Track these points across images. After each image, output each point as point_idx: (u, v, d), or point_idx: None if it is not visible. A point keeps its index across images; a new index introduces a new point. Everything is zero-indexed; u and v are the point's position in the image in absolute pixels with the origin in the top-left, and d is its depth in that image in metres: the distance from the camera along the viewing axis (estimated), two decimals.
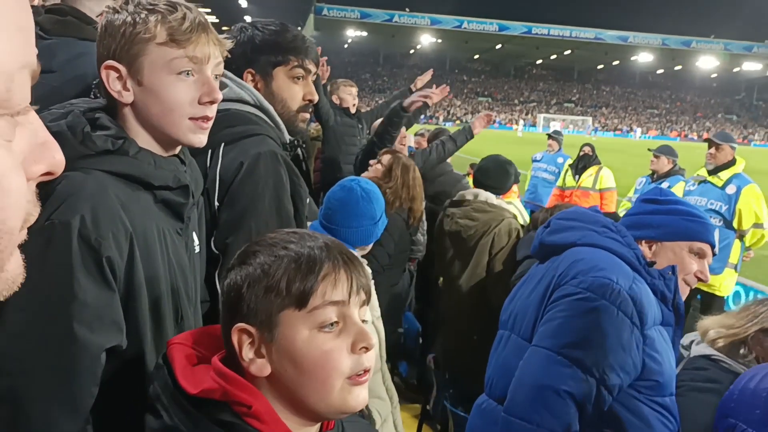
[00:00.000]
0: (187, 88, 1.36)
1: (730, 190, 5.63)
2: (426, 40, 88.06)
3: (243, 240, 1.73)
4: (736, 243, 5.67)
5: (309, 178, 2.22)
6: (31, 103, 0.53)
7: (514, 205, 5.12)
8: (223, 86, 1.84)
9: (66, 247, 1.18)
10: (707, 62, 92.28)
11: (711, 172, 5.79)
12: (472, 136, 5.07)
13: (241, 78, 2.00)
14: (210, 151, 1.78)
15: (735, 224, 5.61)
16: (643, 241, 2.07)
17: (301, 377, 1.05)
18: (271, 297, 1.04)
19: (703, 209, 5.73)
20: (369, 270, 2.57)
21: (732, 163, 5.74)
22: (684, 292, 2.05)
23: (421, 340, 4.68)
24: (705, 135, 6.60)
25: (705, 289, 5.62)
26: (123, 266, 1.26)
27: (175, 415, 1.02)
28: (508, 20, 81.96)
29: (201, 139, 1.42)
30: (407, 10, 78.80)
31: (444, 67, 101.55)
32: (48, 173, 0.55)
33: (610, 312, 1.80)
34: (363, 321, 1.10)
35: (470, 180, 4.55)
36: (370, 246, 2.71)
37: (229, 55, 1.48)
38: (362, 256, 3.59)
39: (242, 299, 1.05)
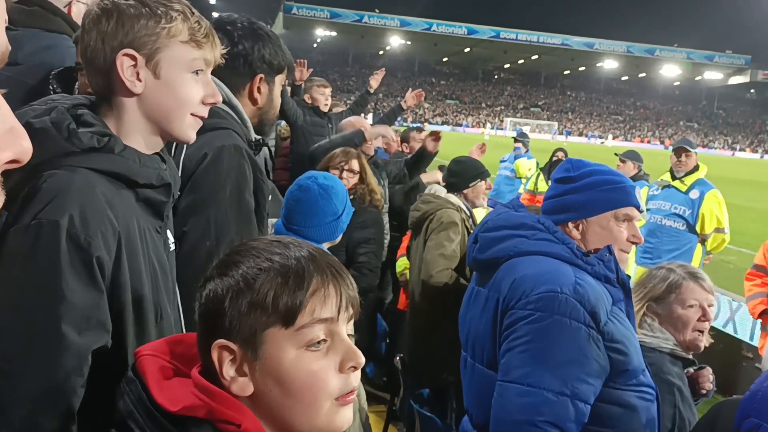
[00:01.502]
0: (198, 87, 1.40)
1: (694, 195, 5.74)
2: (395, 42, 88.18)
3: (200, 228, 1.74)
4: (698, 247, 5.78)
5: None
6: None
7: (483, 209, 5.16)
8: None
9: (54, 247, 1.16)
10: (670, 70, 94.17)
11: (675, 177, 5.90)
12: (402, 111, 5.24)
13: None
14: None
15: (697, 228, 5.72)
16: (569, 224, 2.04)
17: (287, 398, 0.99)
18: (256, 314, 0.97)
19: (667, 213, 5.84)
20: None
21: (695, 168, 5.87)
22: (623, 261, 2.03)
23: (388, 340, 4.67)
24: (667, 142, 6.68)
25: None
26: (111, 265, 1.24)
27: None
28: (476, 24, 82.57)
29: (193, 136, 1.45)
30: (377, 11, 78.85)
31: (413, 69, 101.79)
32: (14, 161, 0.52)
33: (563, 324, 1.79)
34: (349, 335, 1.05)
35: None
36: (338, 239, 2.68)
37: (223, 60, 1.50)
38: (362, 257, 3.63)
39: (224, 314, 0.98)
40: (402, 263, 4.57)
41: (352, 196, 3.68)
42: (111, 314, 1.26)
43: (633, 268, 6.32)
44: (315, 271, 1.00)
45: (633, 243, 2.05)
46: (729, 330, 5.68)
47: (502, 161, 10.37)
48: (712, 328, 2.56)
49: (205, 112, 1.43)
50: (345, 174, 3.73)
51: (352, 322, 1.07)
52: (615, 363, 1.84)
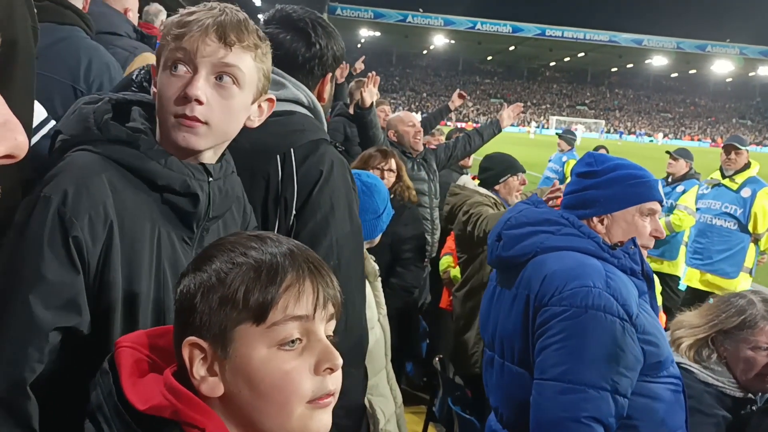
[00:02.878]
0: (172, 83, 1.30)
1: (745, 193, 5.56)
2: (439, 41, 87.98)
3: (324, 250, 1.72)
4: (751, 247, 5.60)
5: None
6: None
7: None
8: (280, 86, 1.83)
9: (42, 221, 1.19)
10: (722, 66, 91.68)
11: (725, 176, 5.73)
12: (500, 130, 5.01)
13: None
14: (279, 155, 1.76)
15: (750, 228, 5.54)
16: (594, 218, 2.02)
17: (257, 400, 0.95)
18: (227, 309, 0.94)
19: (718, 212, 5.67)
20: (378, 269, 2.54)
21: (747, 166, 5.69)
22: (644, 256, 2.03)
23: (428, 340, 4.64)
24: (719, 140, 6.48)
25: (719, 293, 5.54)
26: (96, 252, 1.23)
27: (117, 431, 0.94)
28: (521, 22, 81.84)
29: (186, 139, 1.31)
30: (420, 10, 78.84)
31: (457, 68, 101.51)
32: (8, 156, 0.49)
33: (598, 319, 1.78)
34: (329, 337, 1.00)
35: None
36: (377, 239, 2.68)
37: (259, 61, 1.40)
38: (407, 253, 3.64)
39: (195, 310, 0.95)
40: (445, 261, 4.52)
41: (392, 195, 3.68)
42: (100, 306, 1.25)
43: (683, 269, 6.15)
44: (290, 266, 0.96)
45: (655, 237, 2.04)
46: None
47: (549, 160, 10.23)
48: None
49: (185, 111, 1.29)
50: (386, 174, 3.72)
51: (333, 321, 1.02)
52: (648, 355, 1.83)
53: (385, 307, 2.63)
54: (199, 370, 0.96)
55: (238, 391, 0.95)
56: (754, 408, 2.23)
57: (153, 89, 1.35)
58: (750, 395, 2.23)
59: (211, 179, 1.39)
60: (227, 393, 0.96)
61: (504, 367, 2.04)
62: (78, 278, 1.22)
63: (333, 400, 0.99)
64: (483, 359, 2.23)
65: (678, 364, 2.13)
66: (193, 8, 1.33)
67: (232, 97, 1.33)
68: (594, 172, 2.05)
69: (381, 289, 2.64)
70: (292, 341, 0.95)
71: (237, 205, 1.57)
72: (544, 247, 1.97)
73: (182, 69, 1.29)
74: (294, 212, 1.75)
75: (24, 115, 1.31)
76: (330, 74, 1.97)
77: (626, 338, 1.79)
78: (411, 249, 3.77)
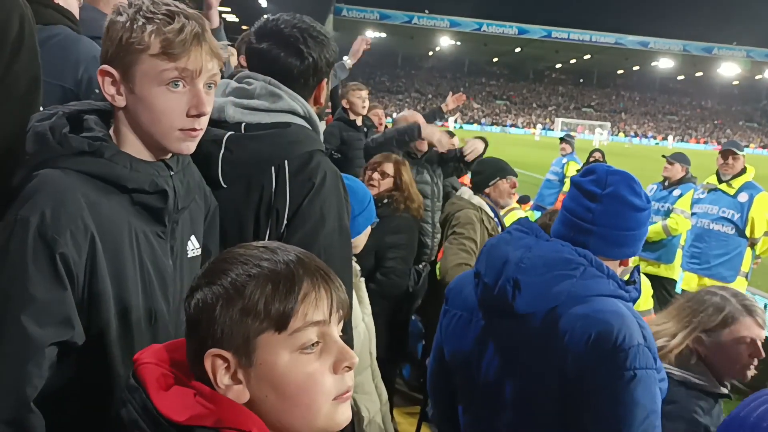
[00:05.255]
0: (176, 100, 1.37)
1: (743, 198, 5.60)
2: (445, 42, 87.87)
3: None
4: (748, 251, 5.64)
5: None
6: None
7: (519, 210, 5.12)
8: (277, 98, 1.88)
9: (22, 242, 1.22)
10: (729, 69, 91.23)
11: (721, 180, 5.75)
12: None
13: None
14: (274, 167, 1.81)
15: (747, 232, 5.57)
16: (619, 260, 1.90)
17: (284, 402, 1.00)
18: (249, 320, 0.98)
19: (715, 217, 5.71)
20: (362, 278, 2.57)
21: (743, 171, 5.72)
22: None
23: (423, 341, 4.67)
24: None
25: None
26: (82, 264, 1.28)
27: None
28: (527, 23, 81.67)
29: (189, 147, 1.44)
30: (426, 11, 78.71)
31: (462, 70, 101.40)
32: None
33: (641, 378, 1.67)
34: (340, 336, 1.06)
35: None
36: (359, 241, 2.70)
37: (224, 67, 1.51)
38: (390, 261, 3.64)
39: (214, 322, 0.99)
40: None
41: (385, 200, 3.69)
42: (92, 312, 1.30)
43: (680, 274, 6.18)
44: (305, 275, 1.01)
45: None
46: None
47: (553, 164, 10.31)
48: None
49: (194, 124, 1.40)
50: (376, 175, 3.73)
51: (342, 322, 1.07)
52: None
53: (369, 306, 2.67)
54: (223, 379, 0.99)
55: (264, 396, 1.00)
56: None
57: (117, 96, 1.37)
58: (728, 391, 2.23)
59: (172, 173, 1.47)
60: (253, 399, 1.00)
61: (499, 417, 1.89)
62: (67, 293, 1.26)
63: (351, 394, 1.05)
64: (442, 406, 2.17)
65: None
66: (156, 15, 1.32)
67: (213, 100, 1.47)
68: (638, 210, 1.86)
69: (364, 289, 2.67)
70: (312, 345, 1.00)
71: (199, 193, 1.64)
72: (571, 297, 1.75)
73: (182, 85, 1.36)
74: (285, 222, 1.80)
75: (23, 126, 1.38)
76: (325, 80, 2.01)
77: (657, 387, 1.72)
78: (394, 258, 3.69)
